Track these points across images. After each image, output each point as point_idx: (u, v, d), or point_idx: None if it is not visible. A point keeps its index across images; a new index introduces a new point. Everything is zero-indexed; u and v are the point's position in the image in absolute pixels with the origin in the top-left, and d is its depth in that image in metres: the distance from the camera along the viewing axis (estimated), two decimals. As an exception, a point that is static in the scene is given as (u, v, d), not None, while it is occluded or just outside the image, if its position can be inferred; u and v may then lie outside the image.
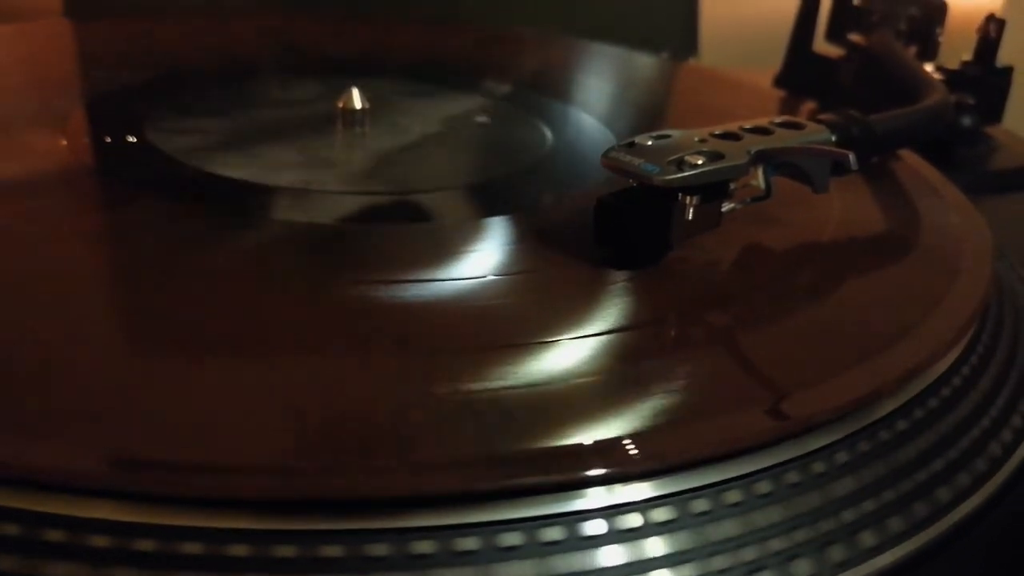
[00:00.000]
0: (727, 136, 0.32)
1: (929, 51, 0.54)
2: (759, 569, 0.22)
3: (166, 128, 0.40)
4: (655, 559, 0.22)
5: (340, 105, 0.41)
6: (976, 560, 0.26)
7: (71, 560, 0.20)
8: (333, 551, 0.20)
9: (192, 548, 0.20)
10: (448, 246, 0.33)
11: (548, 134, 0.43)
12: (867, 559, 0.23)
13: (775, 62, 0.60)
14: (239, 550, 0.20)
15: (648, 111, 0.52)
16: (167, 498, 0.20)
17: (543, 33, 0.62)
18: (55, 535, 0.20)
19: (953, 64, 0.53)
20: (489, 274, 0.31)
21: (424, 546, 0.20)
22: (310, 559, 0.20)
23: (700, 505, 0.22)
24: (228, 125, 0.42)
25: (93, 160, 0.37)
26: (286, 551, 0.20)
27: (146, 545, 0.20)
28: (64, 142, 0.38)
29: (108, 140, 0.39)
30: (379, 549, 0.20)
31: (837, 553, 0.23)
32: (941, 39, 0.54)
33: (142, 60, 0.50)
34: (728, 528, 0.23)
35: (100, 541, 0.20)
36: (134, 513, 0.20)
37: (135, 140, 0.39)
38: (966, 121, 0.51)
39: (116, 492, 0.20)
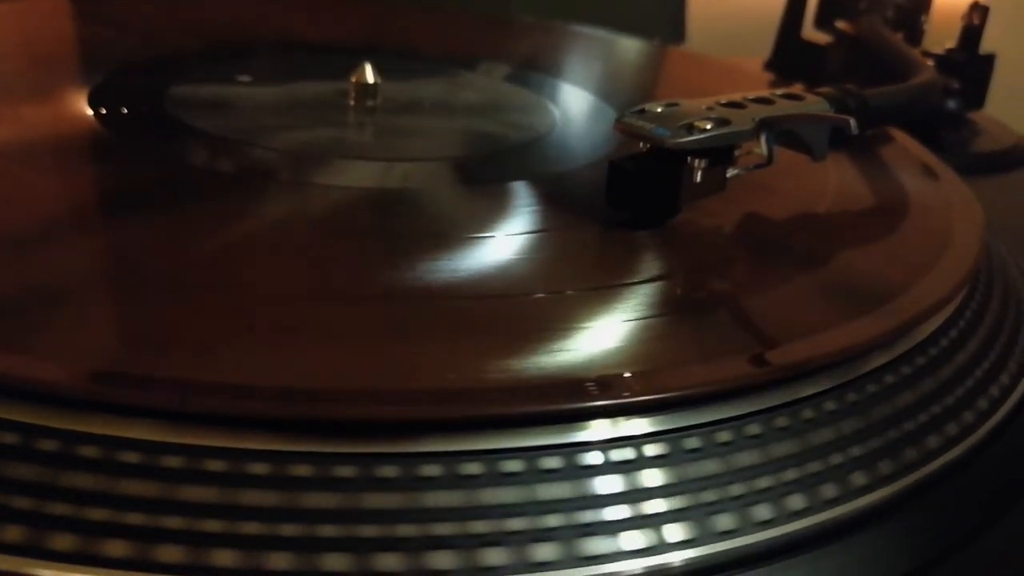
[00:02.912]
0: (732, 105, 0.34)
1: (914, 38, 0.56)
2: (781, 495, 0.24)
3: (178, 101, 0.41)
4: (659, 488, 0.23)
5: (353, 80, 0.42)
6: (949, 512, 0.27)
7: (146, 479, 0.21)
8: (390, 471, 0.22)
9: (259, 468, 0.21)
10: (466, 209, 0.35)
11: (554, 110, 0.44)
12: (841, 503, 0.25)
13: (761, 50, 0.62)
14: (302, 470, 0.21)
15: (646, 92, 0.53)
16: (237, 420, 0.22)
17: (537, 20, 0.63)
18: (131, 456, 0.21)
19: (936, 51, 0.55)
20: (506, 233, 0.32)
21: (472, 467, 0.22)
22: (368, 478, 0.21)
23: (724, 436, 0.24)
24: (240, 97, 0.43)
25: (111, 129, 0.38)
26: (346, 471, 0.21)
27: (216, 465, 0.21)
28: (88, 112, 0.39)
29: (122, 111, 0.40)
30: (431, 470, 0.22)
31: (828, 490, 0.25)
32: (926, 26, 0.56)
33: (147, 38, 0.51)
34: (749, 457, 0.24)
35: (173, 462, 0.21)
36: (207, 436, 0.21)
37: (149, 111, 0.40)
38: (951, 105, 0.53)
39: (190, 415, 0.22)
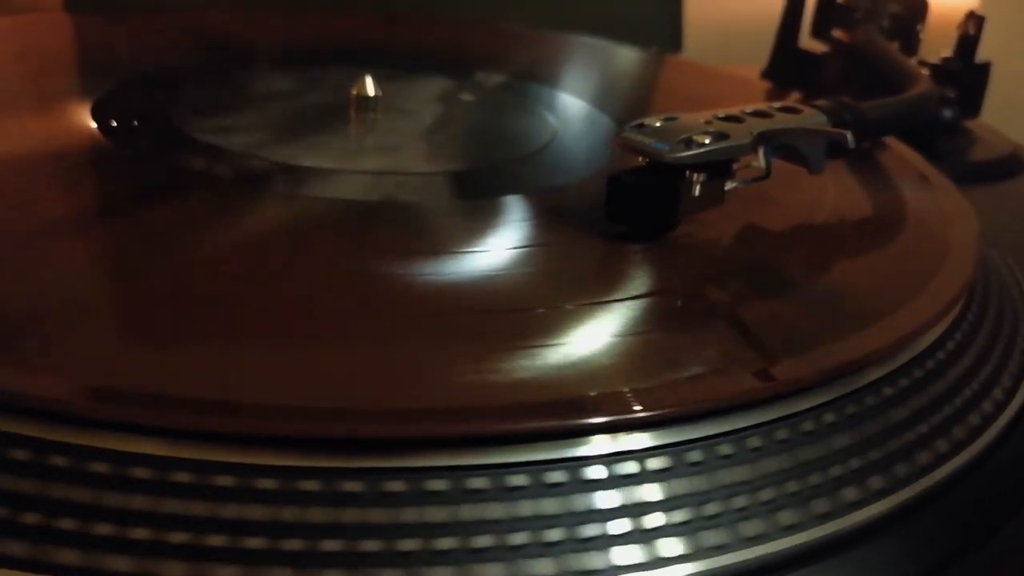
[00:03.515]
0: (731, 119, 0.34)
1: (910, 47, 0.56)
2: (784, 508, 0.24)
3: (179, 113, 0.41)
4: (660, 502, 0.24)
5: (354, 92, 0.42)
6: (951, 521, 0.27)
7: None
8: (396, 486, 0.22)
9: (267, 484, 0.21)
10: (463, 222, 0.35)
11: (553, 121, 0.45)
12: (843, 515, 0.25)
13: (757, 59, 0.62)
14: (310, 485, 0.22)
15: (644, 102, 0.54)
16: (247, 438, 0.22)
17: (535, 29, 0.63)
18: (140, 472, 0.22)
19: (932, 60, 0.55)
20: (503, 247, 0.32)
21: (478, 482, 0.22)
22: (375, 493, 0.22)
23: (725, 449, 0.24)
24: (241, 108, 0.43)
25: (114, 141, 0.38)
26: (353, 486, 0.22)
27: (225, 480, 0.21)
28: (91, 124, 0.39)
29: (124, 123, 0.40)
30: (437, 484, 0.22)
31: (828, 503, 0.25)
32: (922, 36, 0.56)
33: (148, 50, 0.51)
34: (750, 471, 0.25)
35: (182, 477, 0.21)
36: (213, 452, 0.22)
37: (151, 122, 0.40)
38: (947, 114, 0.53)
39: (194, 432, 0.22)
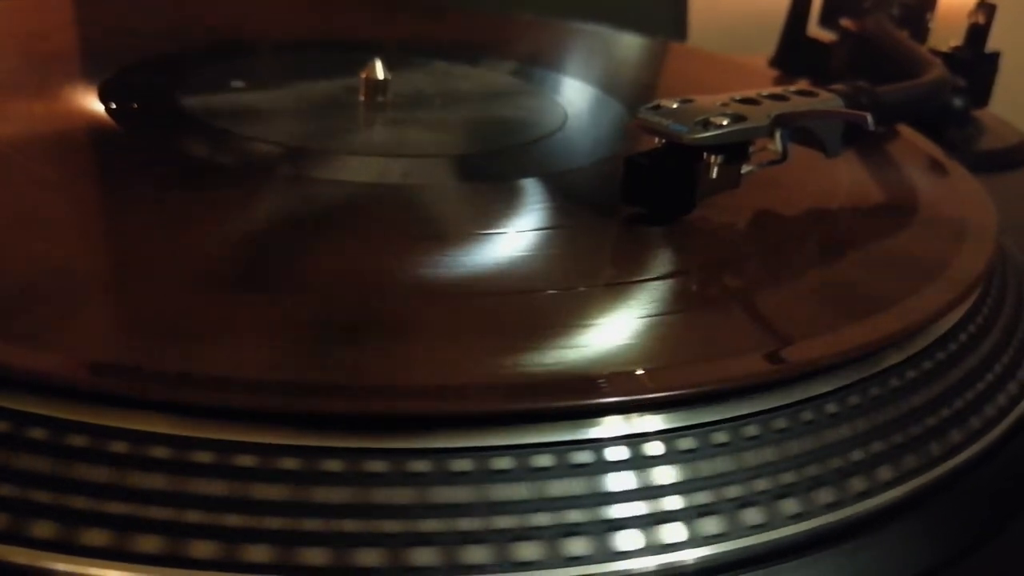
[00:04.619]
0: (747, 101, 0.34)
1: (920, 36, 0.56)
2: (779, 497, 0.24)
3: (186, 97, 0.41)
4: (673, 485, 0.23)
5: (363, 75, 0.42)
6: (969, 504, 0.27)
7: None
8: (421, 466, 0.22)
9: (290, 464, 0.21)
10: (477, 205, 0.34)
11: (564, 107, 0.44)
12: (857, 501, 0.25)
13: (763, 47, 0.62)
14: (333, 465, 0.21)
15: (655, 89, 0.54)
16: (227, 412, 0.22)
17: (543, 18, 0.63)
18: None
19: (942, 49, 0.55)
20: (517, 229, 0.32)
21: (503, 462, 0.22)
22: (400, 473, 0.21)
23: (719, 437, 0.24)
24: (251, 93, 0.43)
25: (121, 125, 0.38)
26: (378, 466, 0.21)
27: (245, 460, 0.21)
28: (98, 107, 0.39)
29: (132, 107, 0.40)
30: (462, 465, 0.22)
31: (837, 491, 0.25)
32: (932, 24, 0.56)
33: (156, 34, 0.50)
34: (765, 454, 0.24)
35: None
36: (196, 428, 0.21)
37: (159, 106, 0.40)
38: (957, 103, 0.53)
39: (181, 407, 0.22)
